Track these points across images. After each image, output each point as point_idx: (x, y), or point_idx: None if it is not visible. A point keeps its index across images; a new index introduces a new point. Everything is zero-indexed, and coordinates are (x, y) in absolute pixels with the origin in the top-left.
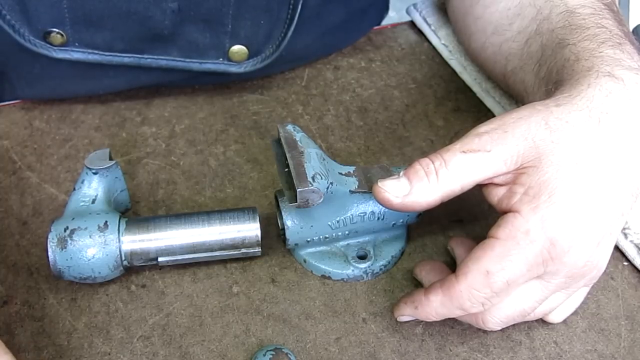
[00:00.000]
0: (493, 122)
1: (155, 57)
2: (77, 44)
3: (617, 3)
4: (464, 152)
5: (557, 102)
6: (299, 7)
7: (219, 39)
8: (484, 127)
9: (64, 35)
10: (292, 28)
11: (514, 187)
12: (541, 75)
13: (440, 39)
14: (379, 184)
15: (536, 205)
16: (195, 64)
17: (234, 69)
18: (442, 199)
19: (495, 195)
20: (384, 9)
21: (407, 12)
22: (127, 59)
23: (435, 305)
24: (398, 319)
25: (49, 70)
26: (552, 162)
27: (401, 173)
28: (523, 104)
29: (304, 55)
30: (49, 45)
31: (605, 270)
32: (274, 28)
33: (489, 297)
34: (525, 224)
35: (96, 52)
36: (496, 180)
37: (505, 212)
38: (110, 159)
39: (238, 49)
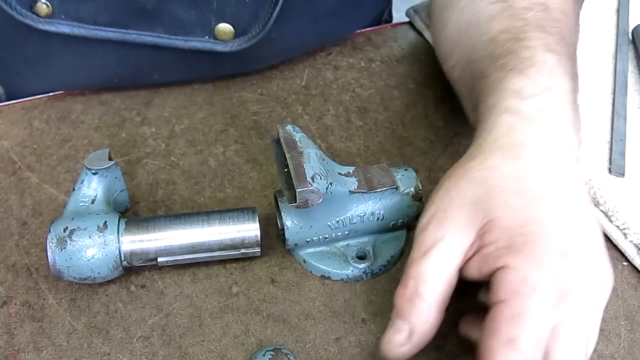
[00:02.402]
0: (428, 209)
1: (140, 32)
2: (62, 16)
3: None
4: (424, 255)
5: (471, 156)
6: None
7: (204, 17)
8: (424, 220)
9: (50, 6)
10: (277, 8)
11: (484, 249)
12: (469, 108)
13: None
14: (383, 346)
15: (517, 251)
16: (180, 41)
17: (219, 47)
18: (442, 309)
19: (473, 268)
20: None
21: (407, 14)
22: (111, 33)
23: None
24: None
25: (41, 49)
26: (500, 209)
27: (391, 321)
28: None
29: (298, 42)
30: (34, 16)
31: None
32: (260, 7)
33: None
34: (519, 274)
35: (81, 25)
36: (467, 256)
37: (491, 276)
38: (110, 159)
39: (224, 27)
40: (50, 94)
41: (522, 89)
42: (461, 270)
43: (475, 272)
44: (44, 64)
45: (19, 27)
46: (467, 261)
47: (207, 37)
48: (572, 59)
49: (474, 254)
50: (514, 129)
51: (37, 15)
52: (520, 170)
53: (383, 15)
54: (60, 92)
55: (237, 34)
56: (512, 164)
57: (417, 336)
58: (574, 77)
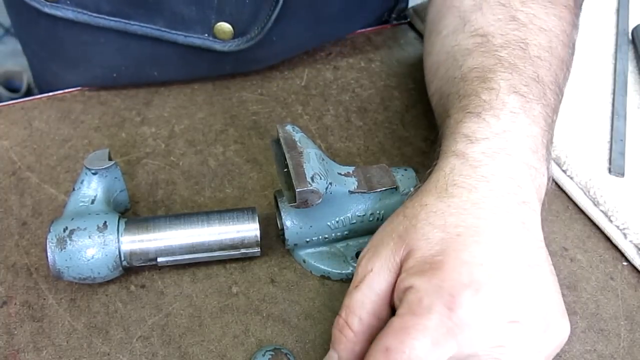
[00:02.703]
0: (368, 244)
1: (141, 24)
2: (68, 2)
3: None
4: (355, 287)
5: (411, 196)
6: None
7: (204, 14)
8: (361, 254)
9: None
10: (276, 11)
11: (402, 275)
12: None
13: None
14: None
15: (422, 273)
16: (180, 36)
17: (218, 46)
18: (369, 340)
19: (396, 297)
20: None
21: (407, 15)
22: (113, 22)
23: None
24: None
25: (50, 32)
26: (419, 240)
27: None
28: None
29: (299, 44)
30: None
31: (604, 271)
32: (259, 9)
33: None
34: (417, 293)
35: (85, 12)
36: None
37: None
38: (110, 159)
39: (223, 26)
40: (50, 93)
41: (473, 132)
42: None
43: (397, 301)
44: (53, 48)
45: (30, 10)
46: (394, 293)
47: (206, 35)
48: (546, 98)
49: (396, 286)
50: (454, 171)
51: None
52: (449, 208)
53: (384, 16)
54: (60, 92)
55: (236, 34)
56: (443, 201)
57: None
58: (544, 116)
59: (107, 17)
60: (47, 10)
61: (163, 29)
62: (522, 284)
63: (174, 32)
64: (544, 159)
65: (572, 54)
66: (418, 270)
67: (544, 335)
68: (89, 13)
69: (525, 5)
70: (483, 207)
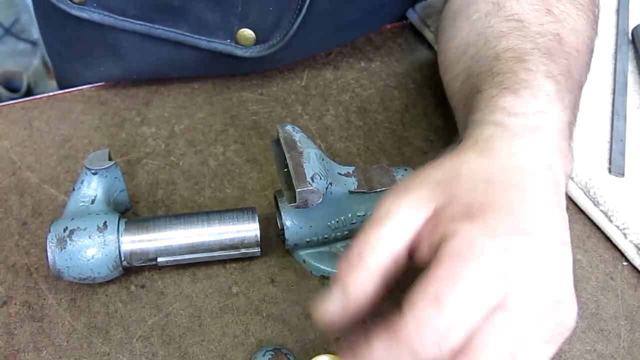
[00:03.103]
0: (391, 189)
1: (166, 28)
2: (94, 5)
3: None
4: (374, 224)
5: (442, 157)
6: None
7: (228, 20)
8: (385, 194)
9: None
10: (299, 19)
11: (438, 226)
12: (462, 121)
13: None
14: (314, 311)
15: (471, 217)
16: (203, 41)
17: (240, 52)
18: (382, 284)
19: (424, 246)
20: (405, 1)
21: (407, 15)
22: (138, 26)
23: (379, 353)
24: None
25: (76, 33)
26: (464, 190)
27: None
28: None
29: (318, 48)
30: (68, 1)
31: (604, 271)
32: (282, 17)
33: (444, 331)
34: (466, 238)
35: (111, 14)
36: (420, 234)
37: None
38: (110, 159)
39: (246, 32)
40: (50, 93)
41: (512, 107)
42: (412, 254)
43: (425, 249)
44: (78, 48)
45: (58, 11)
46: (419, 240)
47: (228, 41)
48: (574, 93)
49: (427, 232)
50: (494, 137)
51: (71, 1)
52: (491, 167)
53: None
54: (60, 92)
55: (258, 41)
56: (485, 160)
57: (349, 306)
58: (572, 109)
59: (132, 21)
60: (74, 12)
61: (186, 34)
62: (557, 255)
63: (196, 36)
64: (570, 149)
65: (591, 61)
66: (465, 216)
67: (557, 310)
68: (115, 16)
69: (560, 2)
70: (525, 174)
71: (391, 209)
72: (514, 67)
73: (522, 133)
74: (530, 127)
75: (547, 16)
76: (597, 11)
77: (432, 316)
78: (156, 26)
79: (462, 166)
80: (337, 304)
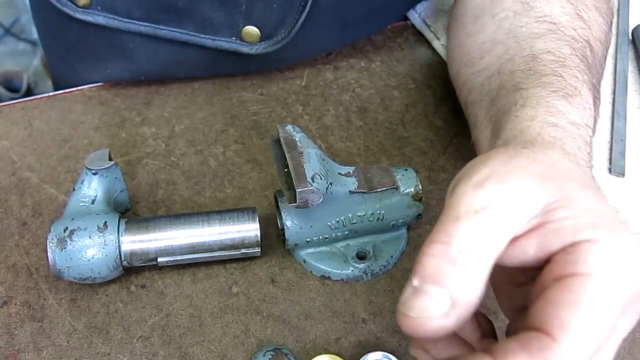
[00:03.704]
0: (477, 171)
1: (171, 29)
2: (99, 8)
3: (598, 45)
4: (476, 214)
5: (517, 148)
6: None
7: (232, 18)
8: (476, 177)
9: None
10: (304, 15)
11: (552, 224)
12: (490, 114)
13: (439, 39)
14: (412, 315)
15: (609, 228)
16: (208, 40)
17: (245, 49)
18: (486, 282)
19: (530, 245)
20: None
21: (407, 15)
22: (143, 27)
23: None
24: None
25: (80, 37)
26: (577, 189)
27: (414, 282)
28: (473, 138)
29: (323, 46)
30: (73, 5)
31: None
32: (287, 14)
33: (594, 352)
34: (616, 250)
35: (116, 17)
36: (523, 230)
37: (550, 256)
38: (110, 159)
39: (251, 29)
40: (50, 93)
41: (565, 112)
42: (508, 251)
43: (531, 249)
44: (82, 52)
45: (61, 15)
46: (517, 240)
47: (233, 38)
48: (598, 104)
49: (531, 230)
50: (565, 142)
51: (76, 5)
52: (581, 173)
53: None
54: (61, 92)
55: (263, 37)
56: (573, 165)
57: (460, 308)
58: (595, 123)
59: (137, 22)
60: (78, 15)
61: (192, 33)
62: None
63: (202, 36)
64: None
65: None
66: (594, 221)
67: None
68: (120, 18)
69: (588, 8)
70: (593, 182)
71: (496, 198)
72: (558, 71)
73: (579, 145)
74: (583, 139)
75: (579, 21)
76: (612, 21)
77: (593, 341)
78: (161, 27)
79: (558, 163)
80: (444, 304)
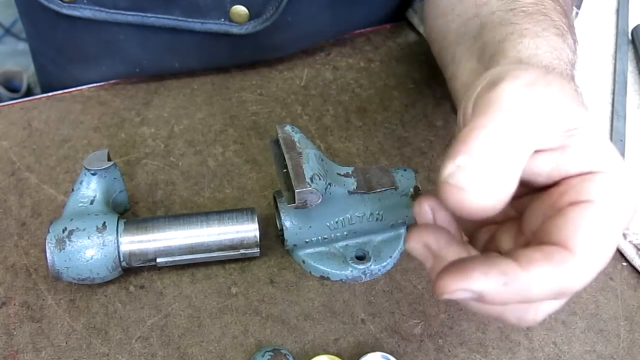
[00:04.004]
0: (522, 74)
1: (158, 15)
2: (85, 1)
3: None
4: (525, 111)
5: (531, 68)
6: None
7: None
8: (525, 77)
9: None
10: None
11: (572, 149)
12: (474, 49)
13: None
14: (447, 179)
15: (617, 162)
16: (197, 24)
17: (235, 29)
18: (518, 174)
19: (546, 162)
20: None
21: (406, 15)
22: (131, 17)
23: (535, 283)
24: (450, 296)
25: (68, 35)
26: (588, 120)
27: (456, 160)
28: (446, 75)
29: (315, 29)
30: (59, 1)
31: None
32: None
33: (603, 266)
34: (622, 182)
35: (103, 9)
36: (544, 146)
37: (558, 181)
38: (109, 159)
39: (239, 9)
40: (50, 93)
41: (563, 51)
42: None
43: (547, 167)
44: (72, 51)
45: (47, 13)
46: (540, 152)
47: (222, 20)
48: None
49: (552, 149)
50: (569, 74)
51: (62, 0)
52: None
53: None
54: (60, 92)
55: (251, 16)
56: (571, 87)
57: (504, 190)
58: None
59: (124, 12)
60: (65, 11)
61: (180, 18)
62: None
63: (190, 20)
64: None
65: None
66: (604, 154)
67: None
68: (107, 10)
69: None
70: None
71: (541, 103)
72: (543, 10)
73: (573, 76)
74: (571, 77)
75: None
76: None
77: (602, 260)
78: (149, 15)
79: (574, 91)
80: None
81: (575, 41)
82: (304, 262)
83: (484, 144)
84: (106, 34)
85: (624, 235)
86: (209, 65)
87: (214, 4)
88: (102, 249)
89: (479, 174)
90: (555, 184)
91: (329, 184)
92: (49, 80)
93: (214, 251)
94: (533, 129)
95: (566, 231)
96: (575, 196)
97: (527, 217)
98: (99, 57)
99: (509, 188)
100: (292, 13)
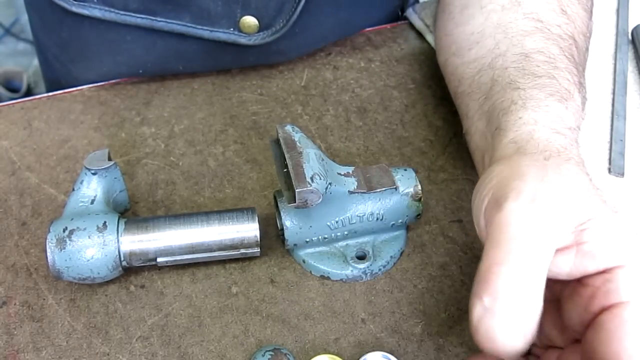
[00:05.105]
0: (521, 187)
1: (168, 20)
2: (95, 0)
3: (579, 42)
4: (532, 230)
5: (536, 157)
6: None
7: (230, 8)
8: (526, 192)
9: None
10: (301, 3)
11: (584, 246)
12: (485, 108)
13: None
14: (477, 326)
15: (633, 251)
16: (206, 32)
17: (243, 40)
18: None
19: (564, 264)
20: None
21: (406, 14)
22: (140, 19)
23: None
24: None
25: (75, 33)
26: (599, 211)
27: (484, 301)
28: (463, 127)
29: (321, 35)
30: None
31: None
32: (284, 2)
33: None
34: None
35: (112, 10)
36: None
37: (583, 277)
38: (109, 159)
39: (249, 20)
40: (50, 93)
41: (564, 117)
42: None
43: (566, 266)
44: (76, 50)
45: (55, 10)
46: (557, 253)
47: (231, 29)
48: (585, 102)
49: (568, 247)
50: (571, 151)
51: None
52: (591, 180)
53: (401, 10)
54: (60, 92)
55: (261, 28)
56: (584, 174)
57: (530, 325)
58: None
59: (134, 15)
60: (74, 9)
61: (189, 25)
62: None
63: (199, 27)
64: None
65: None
66: (623, 247)
67: None
68: (116, 11)
69: (571, 2)
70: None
71: (545, 215)
72: (552, 73)
73: (578, 151)
74: (577, 142)
75: (563, 17)
76: (592, 9)
77: None
78: (158, 19)
79: (577, 178)
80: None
81: (583, 97)
82: (304, 261)
83: (504, 284)
84: (113, 34)
85: None
86: (213, 69)
87: (224, 13)
88: (102, 248)
89: (505, 320)
90: (579, 280)
91: (330, 183)
92: (52, 75)
93: (214, 251)
94: (546, 247)
95: (613, 346)
96: (605, 300)
97: (566, 315)
98: (102, 57)
99: (534, 323)
100: (301, 24)
